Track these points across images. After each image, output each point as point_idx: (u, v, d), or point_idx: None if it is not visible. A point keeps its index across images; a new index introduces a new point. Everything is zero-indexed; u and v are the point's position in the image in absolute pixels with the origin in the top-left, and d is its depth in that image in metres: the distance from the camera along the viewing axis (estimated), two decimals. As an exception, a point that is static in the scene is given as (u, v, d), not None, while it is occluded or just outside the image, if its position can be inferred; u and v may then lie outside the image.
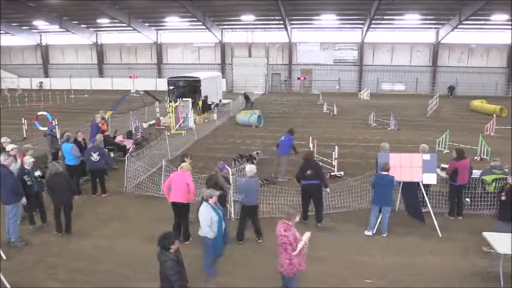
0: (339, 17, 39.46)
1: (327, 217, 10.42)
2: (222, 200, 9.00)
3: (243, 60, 45.42)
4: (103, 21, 42.65)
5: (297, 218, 6.41)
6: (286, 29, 42.23)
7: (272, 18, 39.46)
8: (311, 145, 15.36)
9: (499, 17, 36.50)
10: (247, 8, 36.96)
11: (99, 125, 15.52)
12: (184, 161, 9.64)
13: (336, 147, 14.35)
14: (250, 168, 9.10)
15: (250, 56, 46.33)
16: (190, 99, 24.14)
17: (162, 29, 46.80)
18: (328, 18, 39.65)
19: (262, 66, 44.96)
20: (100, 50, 50.02)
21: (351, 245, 9.11)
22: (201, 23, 41.14)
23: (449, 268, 8.28)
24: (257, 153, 15.05)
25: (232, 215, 10.19)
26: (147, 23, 45.23)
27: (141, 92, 27.63)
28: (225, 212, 9.42)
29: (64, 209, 9.45)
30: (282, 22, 39.98)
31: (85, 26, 46.59)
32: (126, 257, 8.56)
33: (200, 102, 25.90)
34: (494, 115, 24.36)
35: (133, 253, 8.72)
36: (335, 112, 28.38)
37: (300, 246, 6.20)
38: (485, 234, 8.06)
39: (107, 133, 15.89)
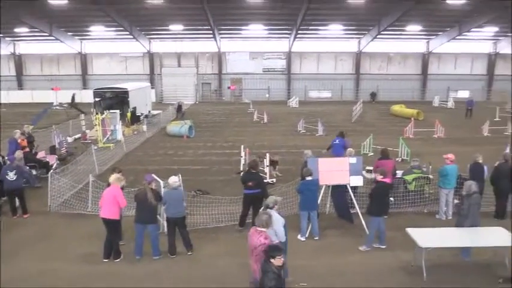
0: (266, 27, 40.33)
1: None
2: (153, 214, 8.82)
3: (172, 70, 44.86)
4: (21, 30, 40.13)
5: (272, 223, 6.35)
6: (215, 39, 42.40)
7: (201, 27, 39.44)
8: (243, 153, 15.51)
9: (413, 28, 39.39)
10: (176, 17, 36.67)
11: (19, 141, 14.56)
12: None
13: (267, 154, 14.60)
14: (173, 180, 8.94)
15: (179, 65, 45.90)
16: (118, 111, 23.39)
17: (86, 38, 44.93)
18: (256, 28, 40.39)
19: (192, 76, 44.66)
20: (19, 61, 47.00)
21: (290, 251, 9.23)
22: (128, 33, 40.11)
23: (379, 264, 8.70)
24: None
25: (165, 229, 9.96)
26: (70, 32, 43.23)
27: (65, 105, 26.34)
28: (158, 226, 9.23)
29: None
30: (211, 32, 40.11)
31: (1, 35, 43.60)
32: (52, 279, 8.07)
33: (129, 114, 25.18)
34: (412, 118, 26.16)
35: (59, 275, 8.24)
36: (265, 120, 28.89)
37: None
38: (408, 230, 8.60)
39: (27, 149, 14.92)
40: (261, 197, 10.10)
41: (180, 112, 30.74)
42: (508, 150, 14.71)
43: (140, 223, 8.77)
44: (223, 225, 10.65)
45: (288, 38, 43.56)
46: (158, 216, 9.37)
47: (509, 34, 42.93)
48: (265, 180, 13.87)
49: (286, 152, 19.48)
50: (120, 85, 28.98)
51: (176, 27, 39.36)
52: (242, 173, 12.53)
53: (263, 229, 6.16)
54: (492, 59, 47.04)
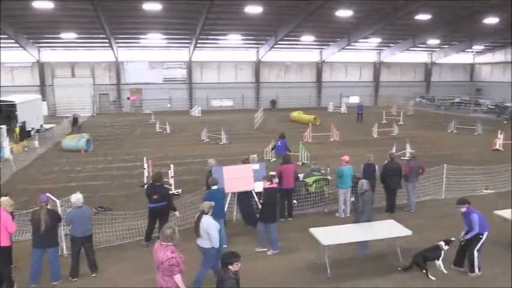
0: (165, 36, 39.71)
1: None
2: (52, 236, 8.19)
3: (66, 80, 42.03)
4: None
5: (178, 236, 6.09)
6: (112, 48, 40.72)
7: (96, 36, 37.56)
8: (146, 166, 15.09)
9: (307, 38, 41.58)
10: (68, 25, 34.42)
11: None
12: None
13: (172, 165, 14.40)
14: (76, 197, 8.38)
15: (73, 76, 43.24)
16: (4, 126, 21.34)
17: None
18: (155, 37, 39.57)
19: (88, 86, 42.25)
20: None
21: (198, 260, 9.10)
22: (13, 41, 36.76)
23: (286, 266, 9.00)
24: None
25: (65, 251, 9.28)
26: None
27: None
28: (58, 248, 8.56)
29: None
30: (107, 40, 38.42)
31: None
32: None
33: (17, 129, 23.16)
34: (310, 124, 27.59)
35: None
36: (168, 130, 28.41)
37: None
38: (311, 230, 9.03)
39: None
40: (167, 209, 9.92)
41: (76, 125, 28.97)
42: (393, 150, 16.19)
43: (38, 247, 8.07)
44: (128, 241, 10.25)
45: (188, 47, 43.37)
46: (61, 237, 8.73)
47: (391, 45, 47.46)
48: (170, 192, 13.68)
49: (190, 161, 19.36)
50: (6, 98, 26.58)
51: (69, 35, 37.02)
52: (146, 185, 12.18)
53: (169, 243, 5.98)
54: (377, 67, 51.48)
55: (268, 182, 9.58)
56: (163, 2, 28.38)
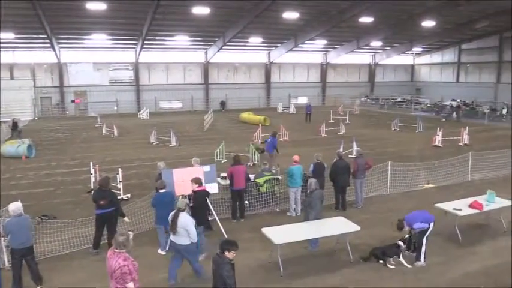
0: (111, 37, 38.57)
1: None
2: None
3: (3, 83, 39.66)
4: None
5: (131, 243, 5.84)
6: (54, 49, 38.99)
7: (36, 36, 35.83)
8: (92, 171, 14.60)
9: (255, 40, 41.88)
10: (5, 24, 32.56)
11: None
12: None
13: (120, 169, 14.03)
14: (14, 206, 7.86)
15: (12, 78, 40.96)
16: None
17: None
18: (100, 38, 38.31)
19: (28, 89, 40.20)
20: None
21: (150, 266, 8.94)
22: None
23: (239, 266, 8.99)
24: None
25: (6, 263, 8.78)
26: None
27: None
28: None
29: None
30: (49, 41, 36.75)
31: None
32: None
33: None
34: (260, 125, 27.82)
35: None
36: (115, 134, 27.63)
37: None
38: (263, 230, 9.11)
39: None
40: (115, 215, 9.66)
41: (15, 130, 27.51)
42: (341, 149, 16.67)
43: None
44: (76, 250, 9.87)
45: (134, 48, 42.37)
46: (2, 249, 8.23)
47: (337, 46, 48.79)
48: (119, 197, 13.32)
49: (139, 165, 18.95)
50: None
51: (6, 36, 35.02)
52: (93, 191, 11.79)
53: (121, 250, 5.77)
54: (324, 68, 52.75)
55: (197, 185, 9.46)
56: (108, 2, 27.56)
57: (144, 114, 39.16)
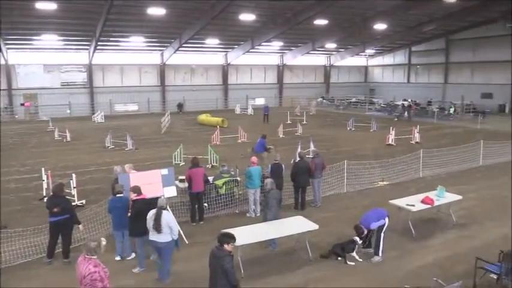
0: (62, 38, 37.21)
1: (75, 250, 9.71)
2: None
3: None
4: None
5: (103, 249, 5.74)
6: (1, 50, 37.20)
7: (-20, 37, 34.18)
8: (44, 177, 14.05)
9: (212, 41, 41.74)
10: None
11: None
12: None
13: (74, 175, 13.59)
14: None
15: (-46, 81, 38.77)
16: None
17: None
18: (51, 39, 36.86)
19: (-27, 93, 38.25)
20: None
21: (110, 273, 8.68)
22: None
23: (200, 269, 8.95)
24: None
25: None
26: None
27: None
28: None
29: None
30: (-6, 42, 35.11)
31: None
32: None
33: None
34: (218, 126, 27.76)
35: None
36: (68, 138, 26.70)
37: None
38: (223, 231, 9.08)
39: None
40: (70, 223, 9.34)
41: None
42: (299, 149, 16.91)
43: None
44: (30, 260, 9.45)
45: (87, 49, 41.11)
46: None
47: (293, 48, 49.44)
48: (73, 204, 12.90)
49: (95, 170, 18.43)
50: None
51: None
52: (45, 198, 11.35)
53: (92, 256, 5.63)
54: (281, 70, 53.31)
55: (135, 194, 9.04)
56: (59, 2, 26.65)
57: (98, 117, 38.09)
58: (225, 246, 6.39)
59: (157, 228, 8.07)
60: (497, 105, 41.81)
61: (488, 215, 12.12)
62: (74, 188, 13.33)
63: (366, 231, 9.37)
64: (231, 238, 6.48)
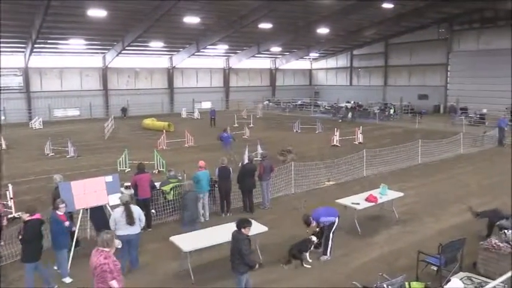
0: (-7, 40, 35.11)
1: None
2: None
3: None
4: None
5: (116, 243, 6.25)
6: None
7: None
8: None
9: (156, 44, 40.96)
10: None
11: None
12: None
13: (10, 185, 12.83)
14: None
15: None
16: None
17: None
18: (-20, 41, 34.70)
19: None
20: None
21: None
22: None
23: (150, 278, 8.73)
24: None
25: None
26: None
27: None
28: None
29: None
30: None
31: None
32: None
33: None
34: (164, 131, 27.25)
35: None
36: (4, 146, 25.16)
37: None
38: (172, 238, 8.96)
39: None
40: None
41: None
42: (246, 153, 16.96)
43: None
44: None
45: (23, 52, 38.98)
46: None
47: (238, 51, 49.61)
48: (10, 216, 12.18)
49: (33, 179, 17.50)
50: None
51: None
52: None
53: (105, 249, 5.87)
54: (227, 73, 53.29)
55: (27, 214, 8.09)
56: (-11, 2, 25.13)
57: (36, 123, 36.24)
58: (243, 230, 7.16)
59: (131, 222, 8.66)
60: (433, 106, 44.13)
61: (427, 211, 12.75)
62: (11, 199, 12.57)
63: (314, 224, 9.51)
64: (247, 222, 7.28)
